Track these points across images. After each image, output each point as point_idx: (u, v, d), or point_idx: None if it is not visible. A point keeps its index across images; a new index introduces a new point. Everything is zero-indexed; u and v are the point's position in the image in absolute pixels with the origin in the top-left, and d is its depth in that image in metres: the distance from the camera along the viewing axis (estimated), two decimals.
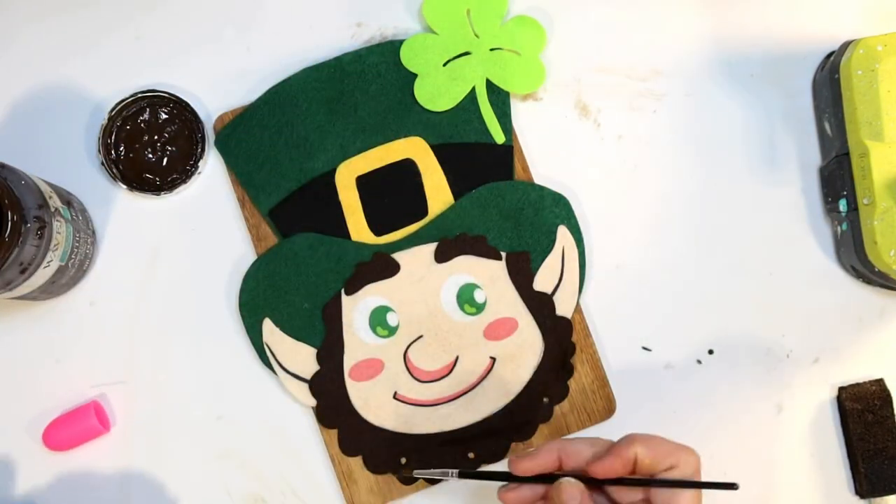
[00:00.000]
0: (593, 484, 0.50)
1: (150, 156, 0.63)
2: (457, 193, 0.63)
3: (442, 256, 0.63)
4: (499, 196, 0.63)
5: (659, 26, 0.65)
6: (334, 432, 0.63)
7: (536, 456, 0.51)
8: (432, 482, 0.63)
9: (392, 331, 0.63)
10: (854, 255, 0.61)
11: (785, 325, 0.65)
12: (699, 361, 0.65)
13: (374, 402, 0.63)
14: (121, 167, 0.63)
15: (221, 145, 0.63)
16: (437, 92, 0.63)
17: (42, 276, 0.56)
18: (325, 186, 0.63)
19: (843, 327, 0.65)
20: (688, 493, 0.49)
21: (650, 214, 0.65)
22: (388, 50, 0.63)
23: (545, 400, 0.63)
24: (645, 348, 0.64)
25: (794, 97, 0.65)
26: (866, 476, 0.63)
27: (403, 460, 0.63)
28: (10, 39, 0.64)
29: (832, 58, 0.62)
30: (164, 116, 0.63)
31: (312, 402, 0.63)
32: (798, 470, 0.64)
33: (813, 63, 0.65)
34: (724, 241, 0.65)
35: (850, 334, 0.65)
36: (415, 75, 0.63)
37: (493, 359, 0.63)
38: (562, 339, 0.63)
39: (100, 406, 0.63)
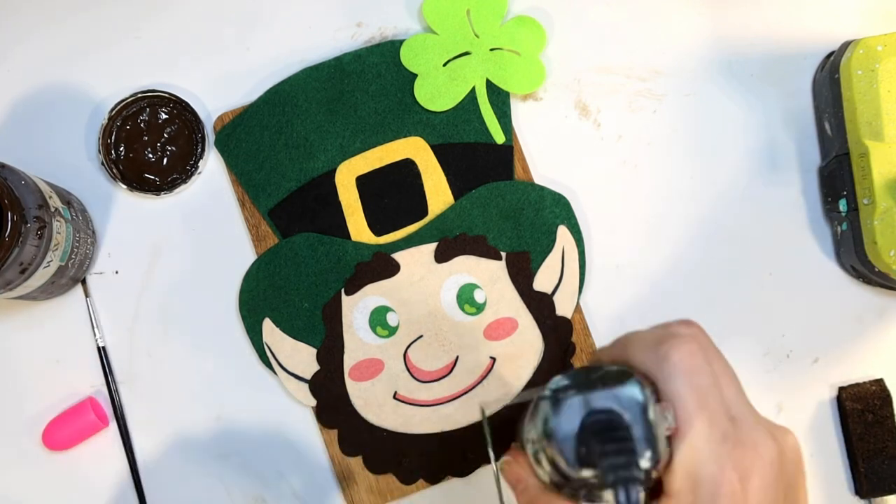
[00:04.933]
0: None
1: (150, 156, 0.63)
2: (457, 193, 0.63)
3: (442, 256, 0.63)
4: (499, 196, 0.63)
5: (659, 26, 0.65)
6: (334, 432, 0.63)
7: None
8: (433, 482, 0.63)
9: (392, 331, 0.63)
10: (854, 255, 0.61)
11: (785, 325, 0.65)
12: None
13: (374, 402, 0.63)
14: (121, 167, 0.63)
15: (221, 145, 0.63)
16: (437, 92, 0.63)
17: (42, 276, 0.56)
18: (325, 186, 0.63)
19: (843, 327, 0.65)
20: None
21: (650, 214, 0.65)
22: (388, 50, 0.63)
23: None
24: None
25: (794, 97, 0.65)
26: (866, 476, 0.63)
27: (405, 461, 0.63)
28: (11, 40, 0.64)
29: (832, 58, 0.62)
30: (164, 116, 0.63)
31: (312, 402, 0.63)
32: None
33: (813, 63, 0.65)
34: (724, 241, 0.65)
35: (850, 334, 0.65)
36: (415, 75, 0.63)
37: (493, 359, 0.63)
38: (562, 339, 0.63)
39: (96, 402, 0.63)
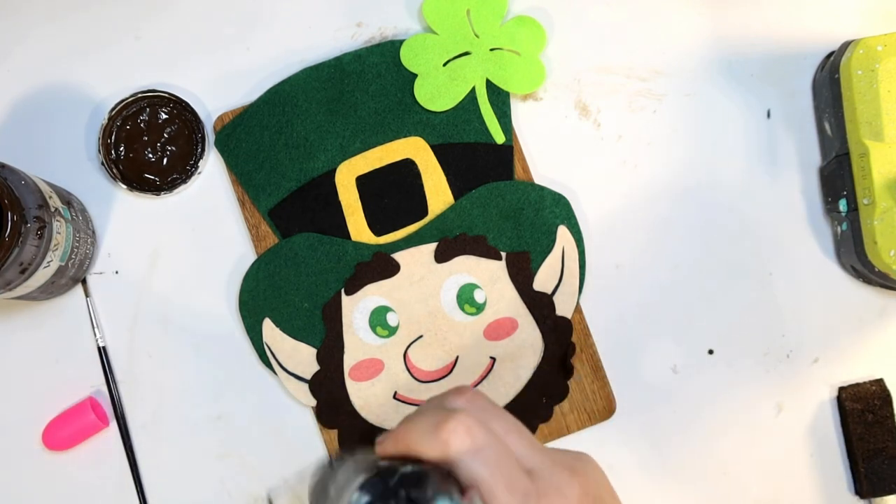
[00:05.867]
0: None
1: (150, 156, 0.63)
2: (457, 193, 0.63)
3: (442, 256, 0.63)
4: (499, 196, 0.63)
5: (659, 26, 0.65)
6: (334, 432, 0.63)
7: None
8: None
9: (392, 331, 0.63)
10: (854, 255, 0.61)
11: (785, 325, 0.65)
12: (699, 361, 0.65)
13: (374, 402, 0.63)
14: (121, 167, 0.63)
15: (221, 145, 0.63)
16: (437, 92, 0.63)
17: (42, 276, 0.56)
18: (325, 186, 0.63)
19: (843, 327, 0.65)
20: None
21: (650, 214, 0.65)
22: (388, 50, 0.63)
23: (545, 400, 0.63)
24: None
25: (794, 97, 0.65)
26: (866, 476, 0.63)
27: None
28: (12, 41, 0.64)
29: (832, 58, 0.62)
30: (164, 116, 0.63)
31: (312, 402, 0.63)
32: (798, 470, 0.64)
33: (813, 63, 0.65)
34: (724, 240, 0.65)
35: (850, 334, 0.65)
36: (415, 75, 0.63)
37: (493, 359, 0.63)
38: (562, 339, 0.63)
39: (96, 402, 0.63)
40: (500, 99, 0.64)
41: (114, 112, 0.63)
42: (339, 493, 0.38)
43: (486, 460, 0.37)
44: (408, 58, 0.63)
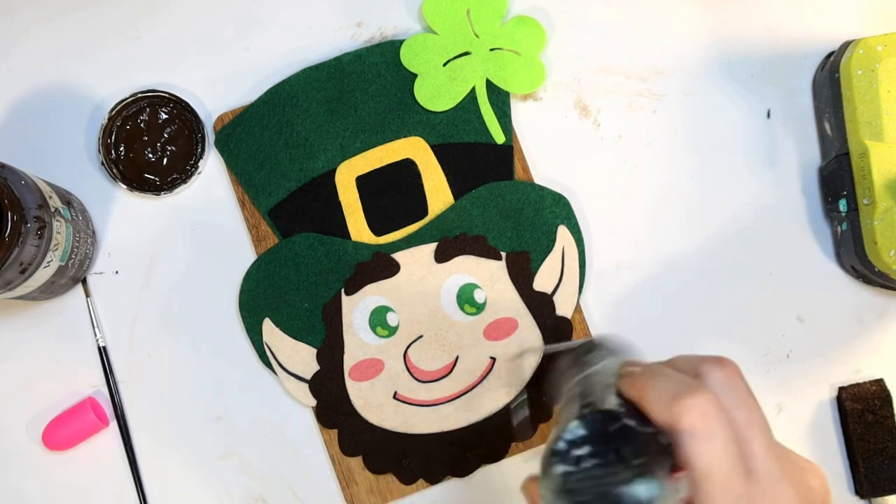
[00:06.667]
0: None
1: (150, 156, 0.63)
2: (457, 193, 0.63)
3: (442, 256, 0.63)
4: (499, 196, 0.63)
5: (659, 26, 0.65)
6: (334, 432, 0.63)
7: None
8: (433, 482, 0.63)
9: (392, 331, 0.63)
10: (854, 255, 0.61)
11: (785, 325, 0.65)
12: None
13: (374, 402, 0.63)
14: (121, 167, 0.63)
15: (221, 145, 0.63)
16: (437, 92, 0.63)
17: (42, 276, 0.56)
18: (325, 186, 0.63)
19: (843, 327, 0.65)
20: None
21: (650, 214, 0.65)
22: (388, 50, 0.63)
23: (545, 399, 0.63)
24: None
25: (794, 97, 0.65)
26: (866, 476, 0.63)
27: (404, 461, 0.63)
28: (12, 40, 0.64)
29: (832, 58, 0.62)
30: (164, 116, 0.63)
31: (312, 402, 0.63)
32: None
33: (813, 63, 0.65)
34: (724, 241, 0.65)
35: (850, 334, 0.65)
36: (415, 75, 0.63)
37: (493, 359, 0.63)
38: (562, 339, 0.63)
39: (96, 402, 0.63)
40: (500, 99, 0.64)
41: (114, 112, 0.63)
42: (587, 374, 0.38)
43: (711, 450, 0.35)
44: (408, 58, 0.63)
